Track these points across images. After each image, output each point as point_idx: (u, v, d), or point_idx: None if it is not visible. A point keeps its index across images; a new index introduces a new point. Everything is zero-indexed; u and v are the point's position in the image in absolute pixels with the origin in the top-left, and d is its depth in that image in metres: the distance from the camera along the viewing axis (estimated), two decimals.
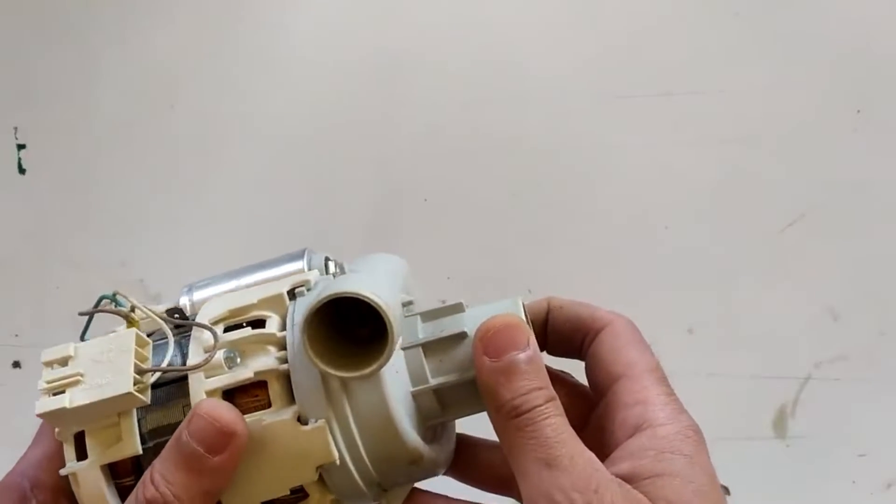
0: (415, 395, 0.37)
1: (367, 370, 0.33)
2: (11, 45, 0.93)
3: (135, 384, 0.35)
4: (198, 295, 0.41)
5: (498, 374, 0.35)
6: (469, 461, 0.42)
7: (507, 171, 0.86)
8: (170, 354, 0.37)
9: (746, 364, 0.82)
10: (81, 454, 0.37)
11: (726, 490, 0.83)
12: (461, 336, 0.37)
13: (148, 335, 0.38)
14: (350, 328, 0.35)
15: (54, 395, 0.36)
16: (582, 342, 0.41)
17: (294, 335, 0.36)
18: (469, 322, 0.38)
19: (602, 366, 0.39)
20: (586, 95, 0.85)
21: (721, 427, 0.84)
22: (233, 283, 0.41)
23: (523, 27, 0.87)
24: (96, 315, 0.38)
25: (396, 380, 0.36)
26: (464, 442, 0.43)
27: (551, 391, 0.35)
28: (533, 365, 0.35)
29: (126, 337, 0.37)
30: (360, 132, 0.88)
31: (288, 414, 0.35)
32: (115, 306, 0.39)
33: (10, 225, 0.93)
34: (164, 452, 0.35)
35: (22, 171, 0.93)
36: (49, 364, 0.37)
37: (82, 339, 0.38)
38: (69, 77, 0.93)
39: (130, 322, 0.39)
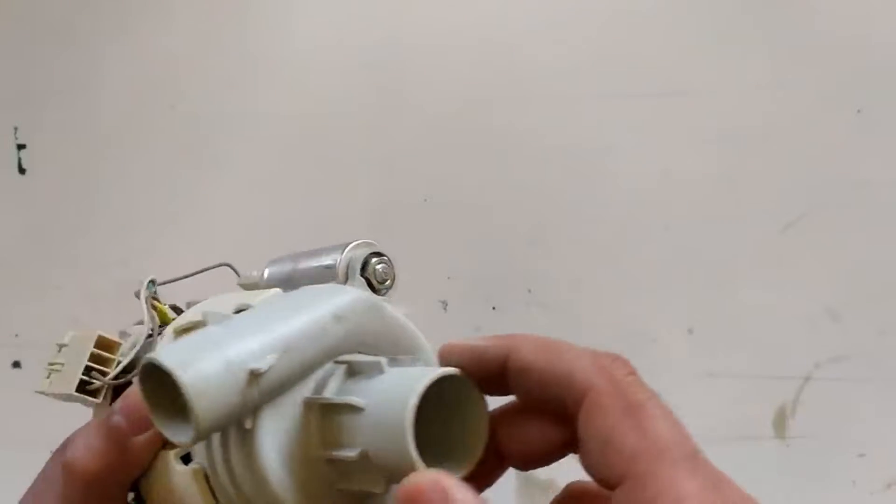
0: (309, 456, 0.33)
1: (182, 440, 0.30)
2: (11, 45, 0.93)
3: (85, 385, 0.39)
4: (267, 272, 0.43)
5: None
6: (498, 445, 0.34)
7: (507, 170, 0.86)
8: (131, 355, 0.40)
9: (746, 364, 0.82)
10: None
11: None
12: (350, 408, 0.32)
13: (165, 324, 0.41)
14: None
15: (48, 376, 0.41)
16: (563, 408, 0.32)
17: None
18: (375, 392, 0.32)
19: (597, 460, 0.30)
20: (587, 95, 0.85)
21: (721, 427, 0.84)
22: (289, 267, 0.42)
23: (523, 28, 0.87)
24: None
25: (291, 433, 0.33)
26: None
27: None
28: None
29: (86, 340, 0.40)
30: (360, 132, 0.88)
31: (175, 449, 0.36)
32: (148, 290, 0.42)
33: (10, 225, 0.93)
34: (92, 423, 0.37)
35: (22, 171, 0.93)
36: (58, 346, 0.41)
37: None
38: (69, 77, 0.93)
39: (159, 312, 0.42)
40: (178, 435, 0.30)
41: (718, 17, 0.83)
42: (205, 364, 0.30)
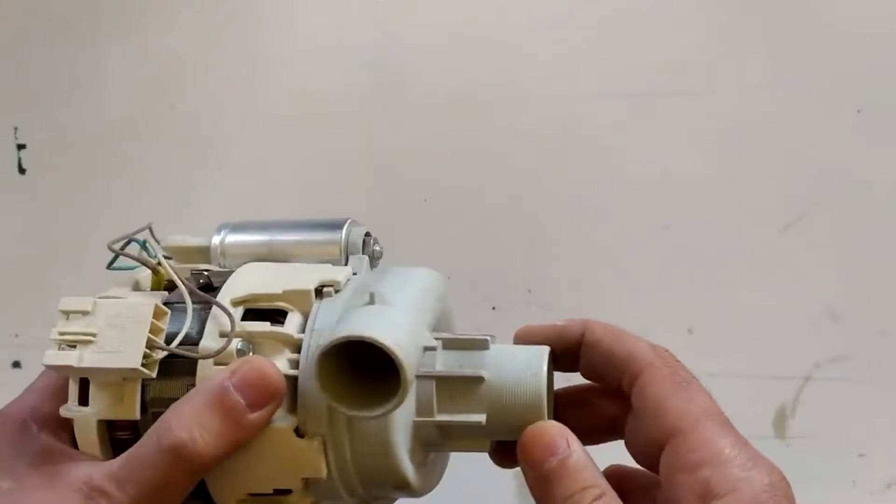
0: (417, 425, 0.36)
1: (375, 413, 0.32)
2: (12, 45, 0.93)
3: (144, 358, 0.35)
4: (230, 239, 0.42)
5: (540, 483, 0.34)
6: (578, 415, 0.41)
7: (507, 170, 0.86)
8: (186, 327, 0.37)
9: (746, 364, 0.82)
10: (83, 399, 0.37)
11: None
12: (477, 380, 0.36)
13: (168, 290, 0.39)
14: (367, 358, 0.33)
15: (63, 347, 0.36)
16: (619, 383, 0.39)
17: (310, 345, 0.35)
18: (490, 365, 0.36)
19: (648, 423, 0.36)
20: (587, 95, 0.85)
21: None
22: (266, 237, 0.42)
23: (523, 27, 0.87)
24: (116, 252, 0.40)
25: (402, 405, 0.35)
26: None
27: (599, 487, 0.33)
28: (572, 465, 0.34)
29: (144, 308, 0.36)
30: (359, 132, 0.88)
31: (287, 422, 0.35)
32: (145, 252, 0.40)
33: (11, 225, 0.93)
34: (196, 399, 0.34)
35: (22, 171, 0.93)
36: (66, 314, 0.37)
37: (108, 267, 0.40)
38: (70, 77, 0.93)
39: (155, 273, 0.40)
40: (366, 409, 0.32)
41: (718, 17, 0.83)
42: (405, 342, 0.32)
